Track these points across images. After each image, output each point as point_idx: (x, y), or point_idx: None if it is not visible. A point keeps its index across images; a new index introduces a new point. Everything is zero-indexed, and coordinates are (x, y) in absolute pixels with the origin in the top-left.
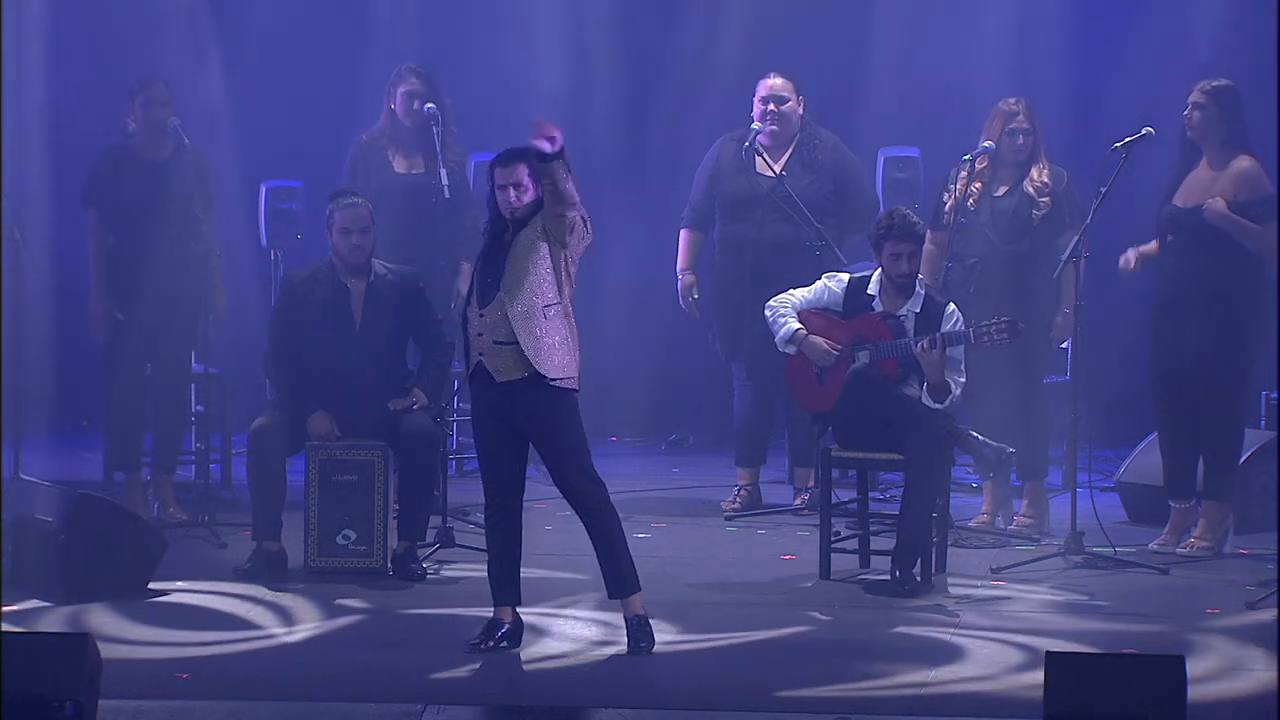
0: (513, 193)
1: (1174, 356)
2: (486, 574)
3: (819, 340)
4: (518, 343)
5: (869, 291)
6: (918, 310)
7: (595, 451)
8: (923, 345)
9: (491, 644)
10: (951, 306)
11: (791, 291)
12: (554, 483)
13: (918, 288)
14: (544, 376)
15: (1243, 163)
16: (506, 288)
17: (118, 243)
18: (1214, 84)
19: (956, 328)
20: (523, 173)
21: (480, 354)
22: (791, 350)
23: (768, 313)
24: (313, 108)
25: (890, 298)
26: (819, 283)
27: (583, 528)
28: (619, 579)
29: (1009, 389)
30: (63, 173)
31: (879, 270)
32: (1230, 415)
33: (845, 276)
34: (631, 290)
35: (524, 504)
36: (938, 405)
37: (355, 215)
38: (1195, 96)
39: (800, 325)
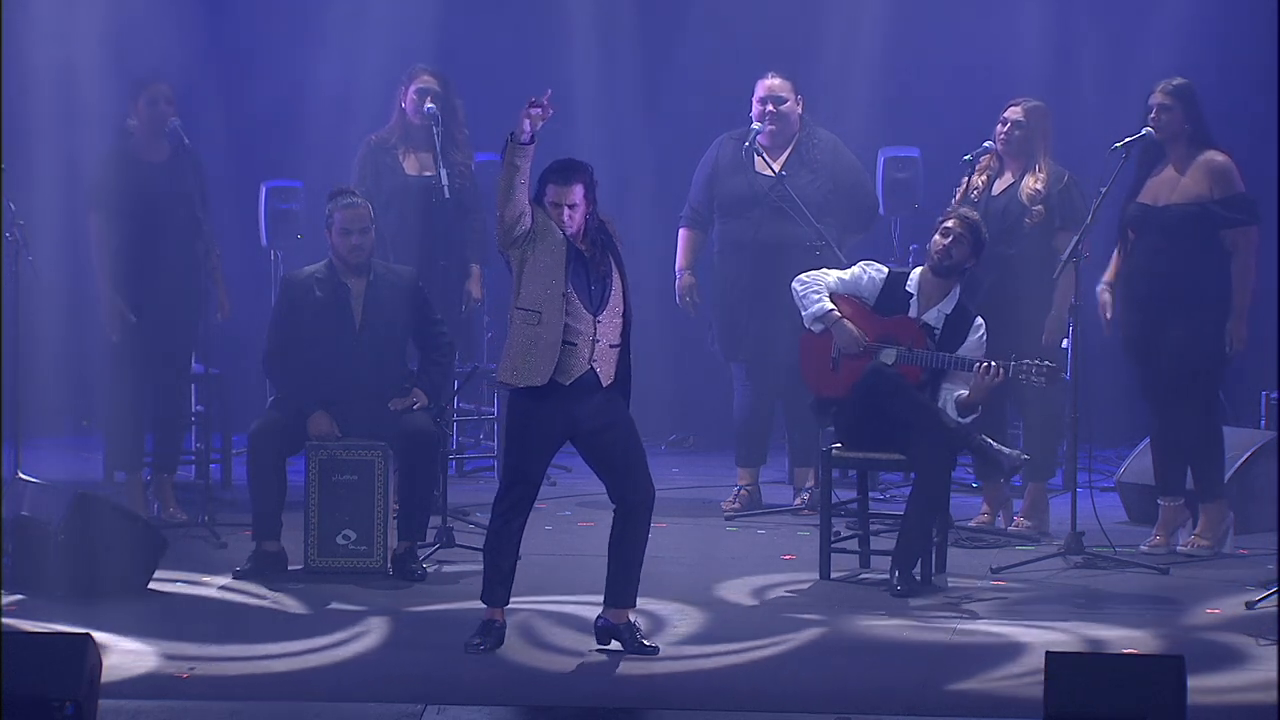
0: (566, 212)
1: (1148, 356)
2: (490, 574)
3: (851, 326)
4: (620, 345)
5: (907, 289)
6: (949, 312)
7: None
8: (989, 366)
9: (489, 645)
10: (979, 320)
11: (826, 271)
12: (615, 482)
13: (955, 291)
14: (629, 378)
15: (1216, 158)
16: (618, 291)
17: (120, 244)
18: (1174, 83)
19: (980, 341)
20: (579, 193)
21: (593, 360)
22: (818, 329)
23: (799, 286)
24: (313, 108)
25: (927, 295)
26: (856, 268)
27: (581, 529)
28: (628, 589)
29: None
30: (63, 172)
31: (920, 268)
32: (1205, 418)
33: (885, 269)
34: (630, 290)
35: None
36: (961, 420)
37: (355, 215)
38: (1158, 98)
39: (834, 306)
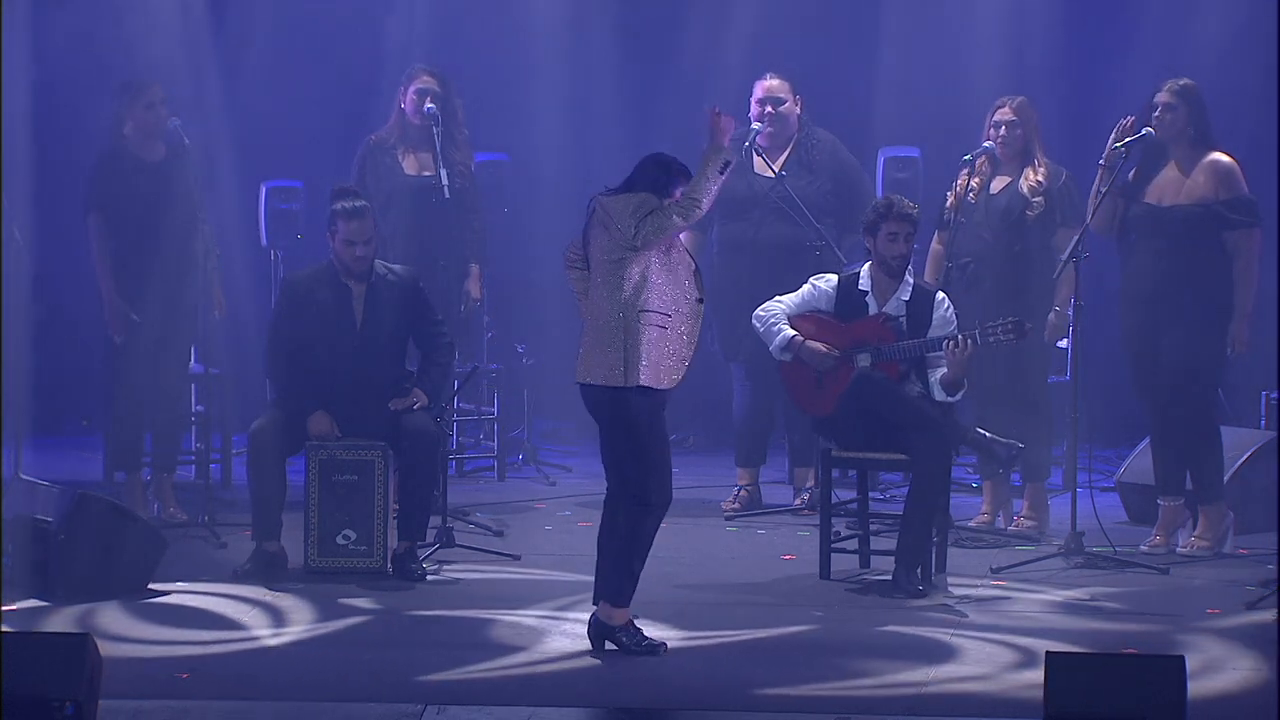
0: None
1: (1148, 356)
2: (636, 576)
3: (818, 345)
4: None
5: (860, 287)
6: (906, 298)
7: (596, 452)
8: (956, 341)
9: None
10: (941, 294)
11: (778, 299)
12: (618, 478)
13: (907, 276)
14: None
15: (1221, 159)
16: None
17: (119, 245)
18: (1180, 83)
19: (949, 315)
20: None
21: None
22: (788, 358)
23: (757, 323)
24: (313, 108)
25: (881, 289)
26: (805, 287)
27: (581, 529)
28: (625, 586)
29: (1010, 389)
30: (62, 173)
31: (867, 264)
32: (1204, 418)
33: (833, 276)
34: None
35: (527, 504)
36: (950, 399)
37: (360, 228)
38: (1164, 97)
39: (795, 331)
